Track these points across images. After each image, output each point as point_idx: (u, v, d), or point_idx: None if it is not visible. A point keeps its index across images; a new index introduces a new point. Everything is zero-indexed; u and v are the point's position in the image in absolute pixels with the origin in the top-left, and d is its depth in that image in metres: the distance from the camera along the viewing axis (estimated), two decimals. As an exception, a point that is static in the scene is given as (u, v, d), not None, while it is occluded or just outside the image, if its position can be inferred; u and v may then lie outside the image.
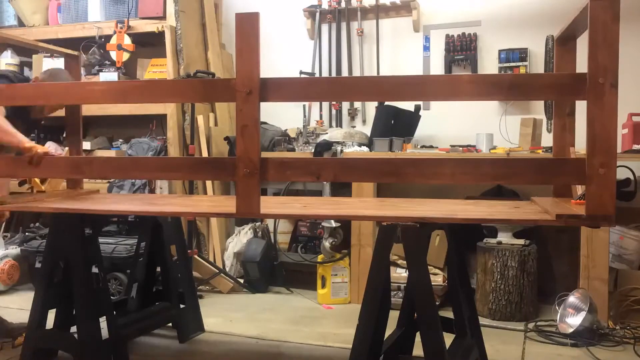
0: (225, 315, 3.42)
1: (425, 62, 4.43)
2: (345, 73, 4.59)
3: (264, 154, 2.51)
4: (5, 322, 2.97)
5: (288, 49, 4.71)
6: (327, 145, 3.88)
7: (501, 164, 1.90)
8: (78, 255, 2.38)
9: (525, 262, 3.38)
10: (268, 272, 3.99)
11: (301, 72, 4.34)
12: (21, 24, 4.74)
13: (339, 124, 4.62)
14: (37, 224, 4.33)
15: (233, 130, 4.18)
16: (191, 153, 3.98)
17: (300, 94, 2.14)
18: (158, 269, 3.05)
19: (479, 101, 3.00)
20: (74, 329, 2.48)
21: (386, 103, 4.09)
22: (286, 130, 4.34)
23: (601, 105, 1.70)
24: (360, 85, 2.05)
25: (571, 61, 2.32)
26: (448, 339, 2.08)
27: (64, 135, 4.23)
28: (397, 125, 4.02)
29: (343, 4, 4.60)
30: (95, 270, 2.54)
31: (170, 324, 3.09)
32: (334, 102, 4.58)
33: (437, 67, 4.37)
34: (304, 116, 4.41)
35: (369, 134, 4.10)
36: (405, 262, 2.58)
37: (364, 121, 4.57)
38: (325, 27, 4.66)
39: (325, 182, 3.76)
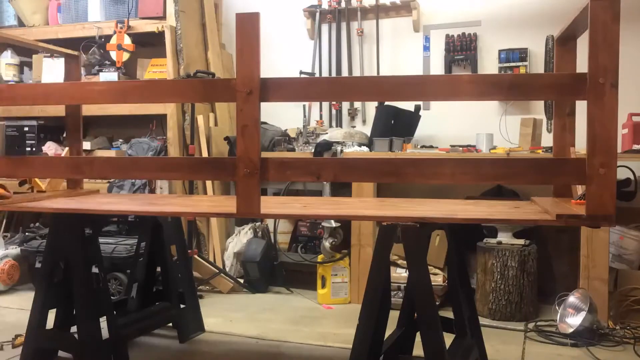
0: (225, 315, 3.42)
1: (425, 62, 4.43)
2: (345, 73, 4.59)
3: (264, 154, 2.51)
4: None
5: (288, 49, 4.71)
6: (327, 145, 3.88)
7: (501, 164, 1.90)
8: (78, 255, 2.38)
9: (525, 262, 3.38)
10: (268, 272, 3.99)
11: (301, 72, 4.34)
12: (21, 24, 4.74)
13: (339, 124, 4.63)
14: (37, 224, 4.33)
15: (233, 130, 4.18)
16: (191, 153, 3.98)
17: (300, 94, 2.14)
18: (158, 269, 3.05)
19: (479, 101, 3.00)
20: (74, 329, 2.48)
21: (386, 103, 4.09)
22: (286, 130, 4.34)
23: (601, 105, 1.70)
24: (360, 85, 2.05)
25: (571, 61, 2.32)
26: (448, 339, 2.08)
27: (64, 135, 4.24)
28: (397, 125, 4.02)
29: (343, 4, 4.60)
30: (95, 270, 2.54)
31: (170, 324, 3.09)
32: (334, 102, 4.58)
33: (437, 67, 4.37)
34: (304, 116, 4.41)
35: (369, 134, 4.10)
36: (405, 262, 2.58)
37: (364, 121, 4.58)
38: (325, 27, 4.66)
39: (325, 182, 3.76)
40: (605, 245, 3.19)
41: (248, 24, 1.93)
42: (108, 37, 4.34)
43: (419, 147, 4.01)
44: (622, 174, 1.91)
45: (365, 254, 3.65)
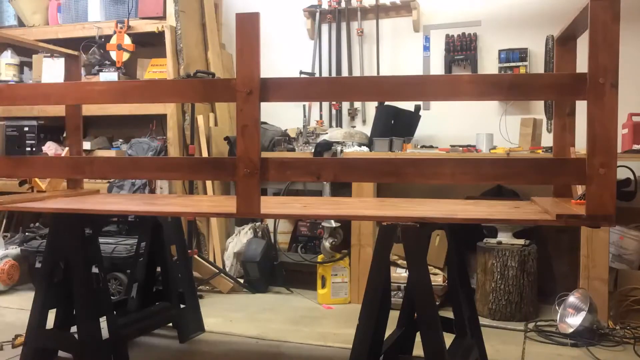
0: (225, 315, 3.42)
1: (425, 62, 4.43)
2: (345, 73, 4.59)
3: (264, 154, 2.51)
4: None
5: (288, 49, 4.71)
6: (327, 145, 3.88)
7: (501, 164, 1.90)
8: (78, 255, 2.38)
9: (525, 262, 3.38)
10: (268, 272, 3.99)
11: (301, 72, 4.34)
12: (21, 24, 4.74)
13: (339, 124, 4.62)
14: (37, 224, 4.34)
15: (233, 130, 4.18)
16: (191, 153, 3.98)
17: (300, 94, 2.14)
18: (158, 269, 3.05)
19: (479, 101, 3.00)
20: (74, 329, 2.48)
21: (386, 103, 4.09)
22: (286, 130, 4.34)
23: (601, 105, 1.70)
24: (360, 85, 2.05)
25: (571, 61, 2.32)
26: (448, 339, 2.08)
27: (64, 135, 4.24)
28: (397, 125, 4.02)
29: (343, 4, 4.60)
30: (95, 270, 2.54)
31: (170, 324, 3.09)
32: (334, 102, 4.58)
33: (437, 67, 4.37)
34: (304, 116, 4.41)
35: (369, 134, 4.10)
36: (405, 262, 2.58)
37: (364, 121, 4.58)
38: (325, 27, 4.66)
39: (325, 182, 3.76)
40: (605, 245, 3.19)
41: (248, 24, 1.93)
42: (108, 37, 4.34)
43: (419, 147, 4.01)
44: (622, 174, 1.91)
45: (365, 254, 3.65)
